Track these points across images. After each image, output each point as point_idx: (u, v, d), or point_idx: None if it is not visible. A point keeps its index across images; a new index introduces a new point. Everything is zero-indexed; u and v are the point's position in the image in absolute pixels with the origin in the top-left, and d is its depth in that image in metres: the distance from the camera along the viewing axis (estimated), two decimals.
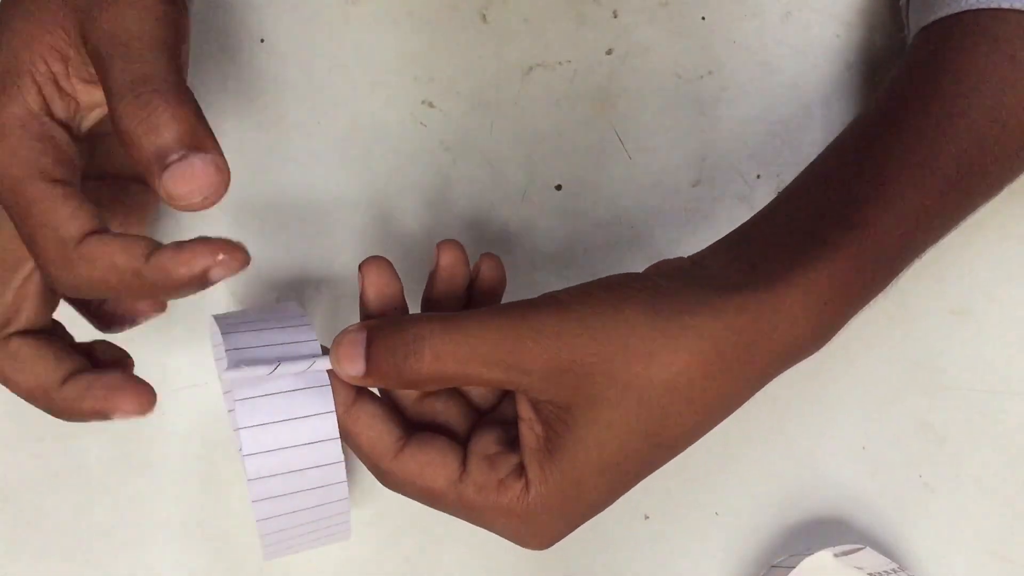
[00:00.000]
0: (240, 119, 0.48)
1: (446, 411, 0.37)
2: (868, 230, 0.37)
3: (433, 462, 0.35)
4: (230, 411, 0.36)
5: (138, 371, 0.38)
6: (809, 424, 0.46)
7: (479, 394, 0.38)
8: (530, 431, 0.35)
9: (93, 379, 0.36)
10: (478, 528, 0.40)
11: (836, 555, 0.44)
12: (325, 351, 0.35)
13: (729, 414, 0.36)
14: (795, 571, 0.43)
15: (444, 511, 0.36)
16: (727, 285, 0.35)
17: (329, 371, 0.35)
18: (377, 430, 0.35)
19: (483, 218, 0.47)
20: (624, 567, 0.44)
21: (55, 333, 0.38)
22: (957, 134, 0.39)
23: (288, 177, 0.47)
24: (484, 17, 0.49)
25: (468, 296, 0.39)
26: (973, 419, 0.46)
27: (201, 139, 0.32)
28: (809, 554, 0.43)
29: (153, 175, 0.32)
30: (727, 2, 0.50)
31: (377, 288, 0.36)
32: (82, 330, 0.40)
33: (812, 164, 0.41)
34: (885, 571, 0.43)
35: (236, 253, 0.32)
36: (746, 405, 0.36)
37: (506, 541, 0.41)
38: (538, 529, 0.35)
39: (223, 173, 0.32)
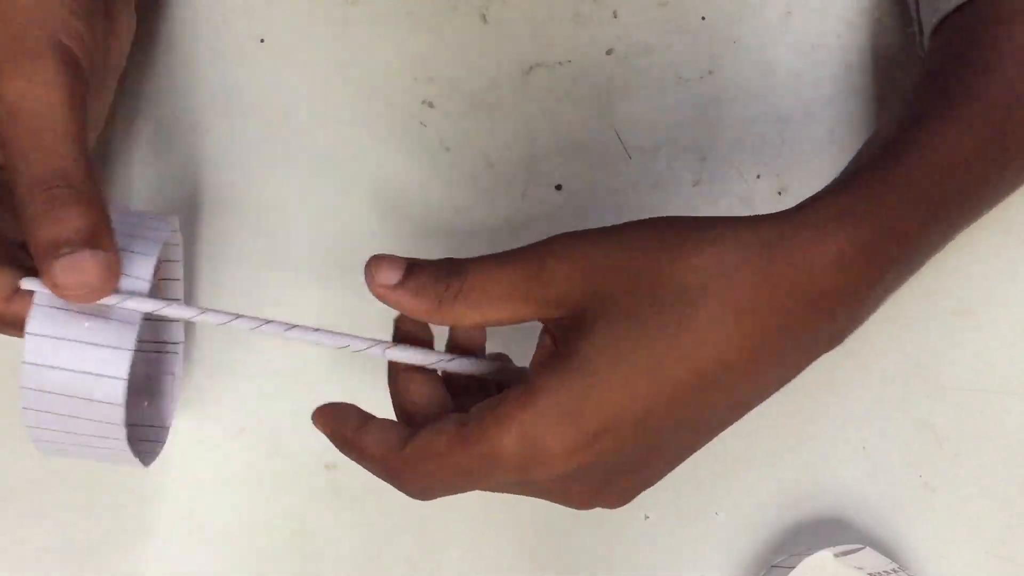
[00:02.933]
0: (240, 119, 0.48)
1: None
2: (908, 160, 0.35)
3: (435, 429, 0.33)
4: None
5: None
6: (809, 424, 0.46)
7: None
8: (540, 349, 0.34)
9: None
10: (478, 528, 0.40)
11: (836, 555, 0.44)
12: (159, 299, 0.34)
13: (767, 367, 0.33)
14: (795, 571, 0.43)
15: (471, 474, 0.33)
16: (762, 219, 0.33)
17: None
18: (384, 433, 0.35)
19: (483, 218, 0.47)
20: (624, 566, 0.44)
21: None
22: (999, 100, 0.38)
23: (288, 177, 0.47)
24: (484, 17, 0.49)
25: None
26: (973, 419, 0.46)
27: (100, 237, 0.33)
28: (809, 554, 0.43)
29: (43, 260, 0.33)
30: (727, 2, 0.50)
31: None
32: None
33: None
34: (885, 571, 0.43)
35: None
36: None
37: (506, 542, 0.41)
38: (549, 431, 0.32)
39: (112, 272, 0.34)
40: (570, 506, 0.36)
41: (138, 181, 0.47)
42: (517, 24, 0.49)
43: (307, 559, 0.44)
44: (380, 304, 0.36)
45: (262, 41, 0.49)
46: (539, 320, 0.35)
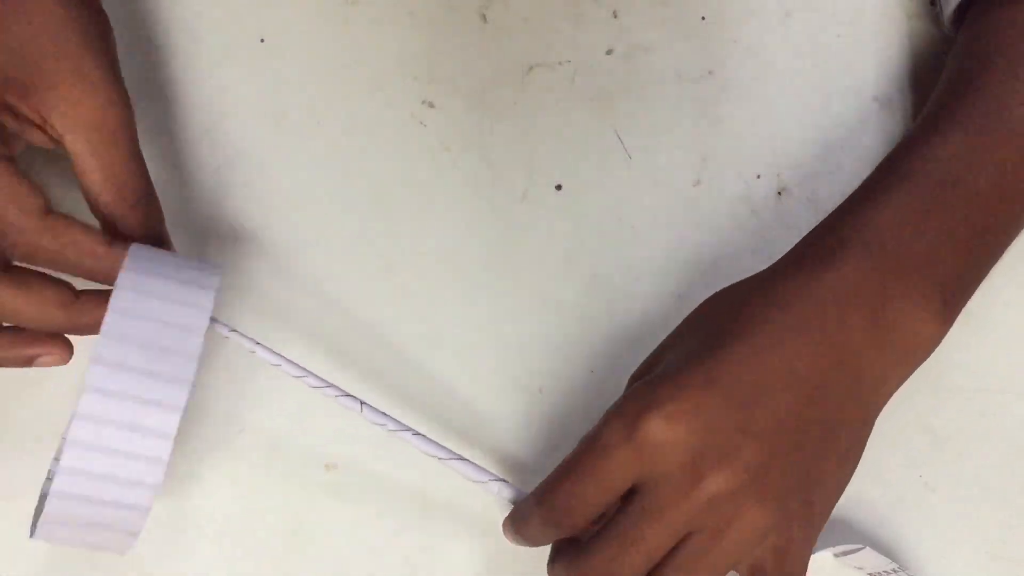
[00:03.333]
0: (240, 119, 0.48)
1: None
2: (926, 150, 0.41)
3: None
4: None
5: None
6: None
7: None
8: None
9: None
10: (479, 528, 0.40)
11: (836, 555, 0.44)
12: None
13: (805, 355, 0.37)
14: None
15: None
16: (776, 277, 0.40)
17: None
18: None
19: (483, 218, 0.47)
20: None
21: None
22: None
23: (287, 177, 0.47)
24: (484, 17, 0.49)
25: None
26: (973, 419, 0.46)
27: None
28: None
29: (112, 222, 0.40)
30: (727, 2, 0.50)
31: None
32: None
33: None
34: (885, 571, 0.43)
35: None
36: None
37: (506, 542, 0.41)
38: (641, 407, 0.36)
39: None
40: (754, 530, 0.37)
41: None
42: (517, 24, 0.49)
43: (307, 559, 0.44)
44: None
45: (262, 41, 0.49)
46: None
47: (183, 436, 0.45)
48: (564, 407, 0.45)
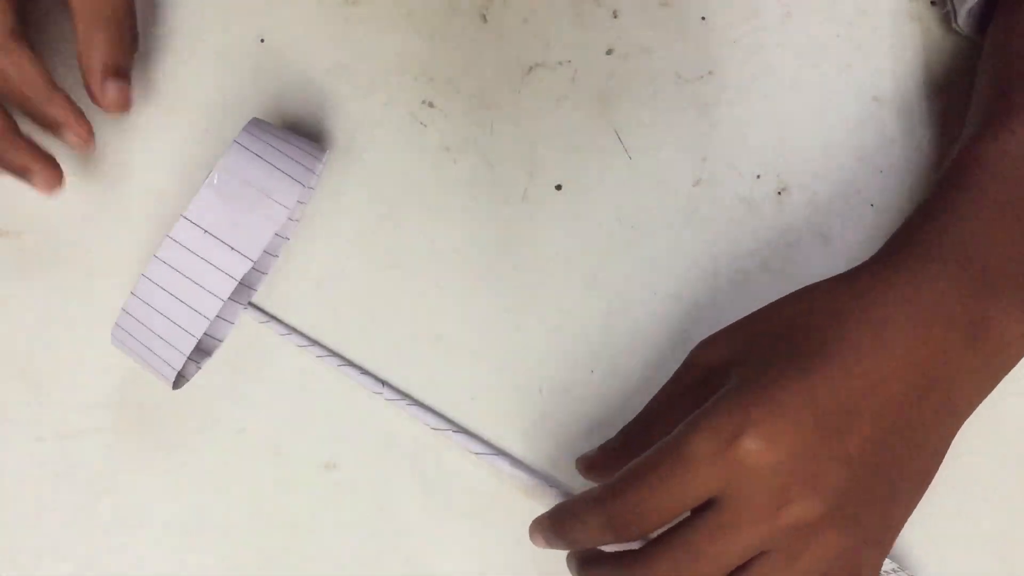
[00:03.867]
0: (240, 119, 0.48)
1: None
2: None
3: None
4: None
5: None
6: None
7: None
8: None
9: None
10: (479, 529, 0.40)
11: None
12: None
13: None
14: None
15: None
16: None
17: None
18: None
19: (483, 218, 0.47)
20: None
21: None
22: None
23: None
24: (484, 17, 0.49)
25: None
26: (973, 419, 0.46)
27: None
28: None
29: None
30: (727, 2, 0.50)
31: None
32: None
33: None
34: (885, 571, 0.43)
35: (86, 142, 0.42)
36: None
37: (506, 543, 0.41)
38: (725, 416, 0.35)
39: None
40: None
41: (138, 175, 0.47)
42: (517, 24, 0.49)
43: (307, 559, 0.44)
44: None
45: (262, 41, 0.49)
46: None
47: (183, 435, 0.45)
48: (564, 407, 0.45)
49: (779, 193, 0.48)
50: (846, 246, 0.47)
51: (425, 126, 0.48)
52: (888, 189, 0.48)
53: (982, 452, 0.45)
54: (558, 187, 0.48)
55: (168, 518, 0.44)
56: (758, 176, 0.48)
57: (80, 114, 0.42)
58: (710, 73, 0.49)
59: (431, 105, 0.49)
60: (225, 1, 0.49)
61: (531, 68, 0.49)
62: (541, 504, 0.43)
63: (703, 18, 0.50)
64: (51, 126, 0.42)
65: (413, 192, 0.48)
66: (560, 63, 0.49)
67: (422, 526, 0.44)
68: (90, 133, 0.42)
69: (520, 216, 0.47)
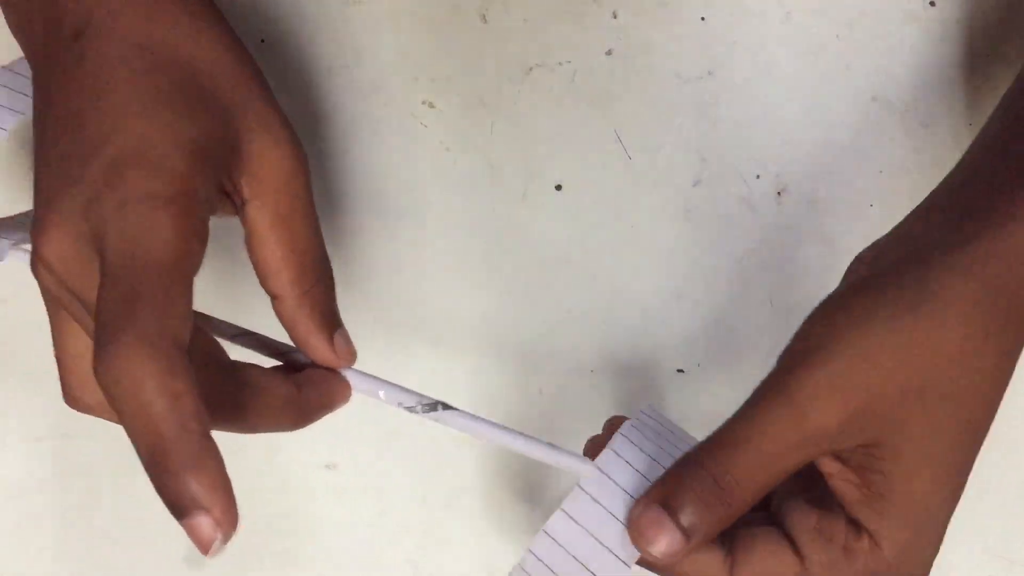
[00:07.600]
0: None
1: None
2: None
3: (768, 565, 0.32)
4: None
5: None
6: None
7: None
8: (846, 483, 0.32)
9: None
10: (479, 529, 0.40)
11: None
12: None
13: (1009, 377, 0.33)
14: None
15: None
16: (951, 243, 0.33)
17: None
18: (702, 560, 0.32)
19: (483, 218, 0.47)
20: None
21: None
22: None
23: None
24: (484, 17, 0.49)
25: None
26: None
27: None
28: None
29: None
30: (727, 2, 0.50)
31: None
32: None
33: (995, 118, 0.39)
34: None
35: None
36: None
37: (506, 543, 0.41)
38: (910, 573, 0.33)
39: None
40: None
41: None
42: (517, 24, 0.49)
43: (307, 559, 0.44)
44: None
45: (262, 41, 0.49)
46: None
47: None
48: (564, 407, 0.45)
49: (779, 193, 0.48)
50: (846, 246, 0.47)
51: (425, 126, 0.48)
52: (888, 189, 0.48)
53: (982, 452, 0.45)
54: (558, 187, 0.48)
55: (167, 518, 0.44)
56: (758, 176, 0.48)
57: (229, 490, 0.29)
58: (710, 73, 0.49)
59: (431, 105, 0.49)
60: (225, 1, 0.49)
61: (531, 68, 0.49)
62: (541, 501, 0.43)
63: (703, 18, 0.50)
64: (176, 504, 0.29)
65: (413, 192, 0.48)
66: (560, 63, 0.49)
67: (422, 526, 0.44)
68: (232, 525, 0.29)
69: (520, 216, 0.47)
